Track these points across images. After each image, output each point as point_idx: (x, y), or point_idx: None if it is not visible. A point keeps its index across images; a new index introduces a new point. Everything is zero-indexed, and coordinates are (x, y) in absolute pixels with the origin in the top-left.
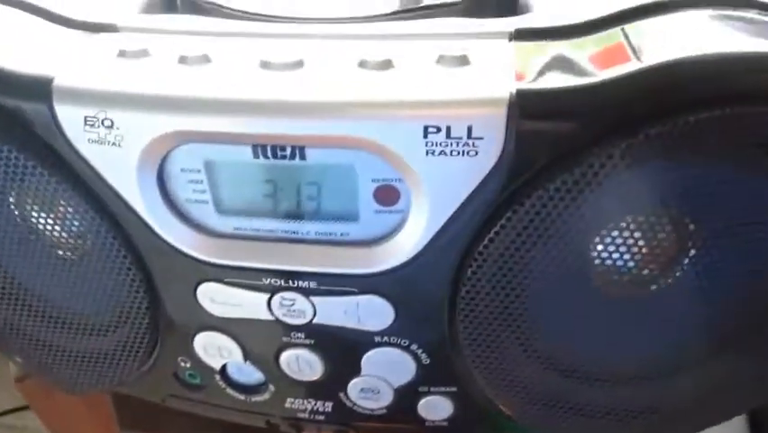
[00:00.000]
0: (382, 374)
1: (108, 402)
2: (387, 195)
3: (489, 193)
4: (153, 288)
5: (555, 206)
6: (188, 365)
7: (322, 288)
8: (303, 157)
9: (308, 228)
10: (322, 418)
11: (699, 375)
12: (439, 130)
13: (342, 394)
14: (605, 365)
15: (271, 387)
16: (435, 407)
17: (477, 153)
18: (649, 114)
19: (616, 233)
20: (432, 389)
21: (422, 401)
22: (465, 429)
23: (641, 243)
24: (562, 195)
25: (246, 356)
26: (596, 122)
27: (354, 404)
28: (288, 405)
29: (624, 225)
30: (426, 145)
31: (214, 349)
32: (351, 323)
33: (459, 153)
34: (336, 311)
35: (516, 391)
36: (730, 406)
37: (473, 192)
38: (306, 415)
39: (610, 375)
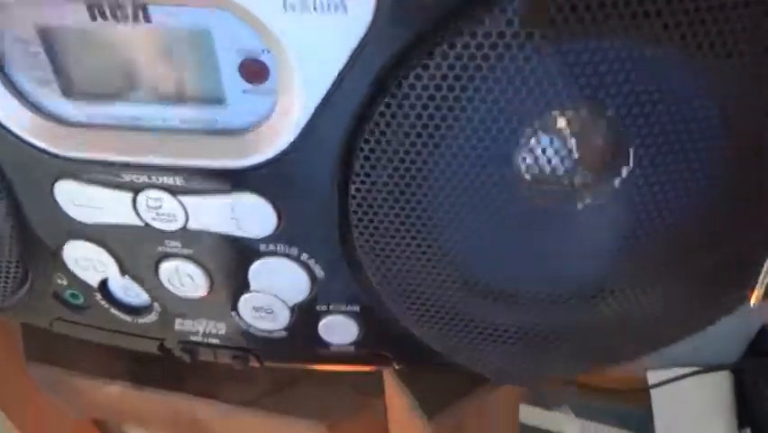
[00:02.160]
0: (274, 290)
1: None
2: (254, 70)
3: (369, 61)
4: (11, 194)
5: (463, 69)
6: (65, 283)
7: (190, 186)
8: (147, 18)
9: (170, 113)
10: (216, 341)
11: (626, 300)
12: None
13: (234, 313)
14: (522, 283)
15: (157, 306)
16: (337, 328)
17: (346, 9)
18: None
19: (535, 123)
20: (332, 307)
21: (322, 322)
22: (375, 355)
23: (566, 138)
24: (458, 63)
25: (123, 270)
26: None
27: (249, 325)
28: (177, 327)
29: (543, 113)
30: None
31: (86, 262)
32: (228, 228)
33: (325, 8)
34: (210, 214)
35: (423, 311)
36: (656, 336)
37: (350, 59)
38: (199, 338)
39: (528, 295)
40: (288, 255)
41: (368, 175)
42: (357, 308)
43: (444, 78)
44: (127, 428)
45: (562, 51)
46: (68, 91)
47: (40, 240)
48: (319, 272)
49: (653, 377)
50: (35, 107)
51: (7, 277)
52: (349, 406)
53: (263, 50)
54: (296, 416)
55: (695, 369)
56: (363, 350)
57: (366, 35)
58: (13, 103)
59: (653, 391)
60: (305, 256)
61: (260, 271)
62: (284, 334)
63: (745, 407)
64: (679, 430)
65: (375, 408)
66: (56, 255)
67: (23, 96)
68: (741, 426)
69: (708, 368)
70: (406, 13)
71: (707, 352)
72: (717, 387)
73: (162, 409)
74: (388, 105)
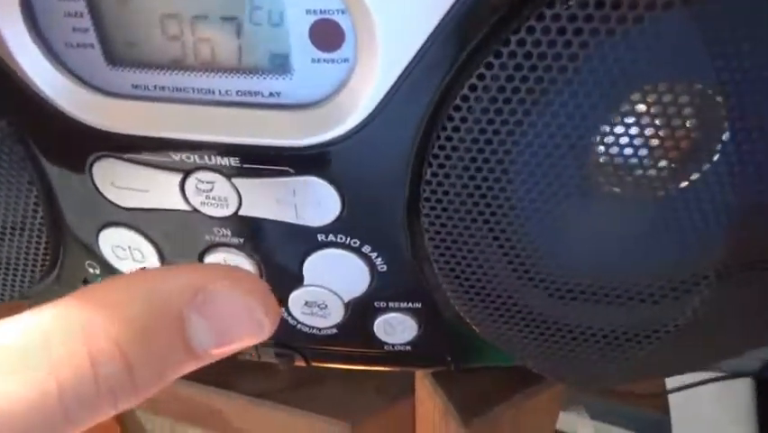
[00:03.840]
0: (330, 285)
1: None
2: (327, 34)
3: (462, 27)
4: (43, 174)
5: (553, 43)
6: (97, 272)
7: (246, 166)
8: None
9: (227, 85)
10: None
11: (713, 296)
12: None
13: (282, 309)
14: (603, 281)
15: None
16: (396, 327)
17: None
18: None
19: (628, 109)
20: (391, 304)
21: (379, 320)
22: (433, 355)
23: (661, 122)
24: (565, 27)
25: (163, 260)
26: None
27: (298, 322)
28: None
29: (640, 97)
30: None
31: (123, 251)
32: (286, 215)
33: None
34: (267, 199)
35: (493, 309)
36: (748, 337)
37: (439, 25)
38: None
39: (608, 293)
40: (348, 247)
41: (448, 158)
42: (419, 305)
43: (538, 44)
44: (143, 416)
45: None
46: (111, 57)
47: (72, 225)
48: (381, 266)
49: (671, 381)
50: (74, 74)
51: (35, 263)
52: (372, 407)
53: (339, 12)
54: (317, 413)
55: (716, 375)
56: (420, 350)
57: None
58: (49, 69)
59: (671, 396)
60: (367, 248)
61: (316, 264)
62: (334, 331)
63: (766, 416)
64: None
65: (400, 410)
66: (90, 242)
67: (61, 60)
68: None
69: (729, 375)
70: None
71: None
72: (738, 394)
73: (179, 399)
74: (481, 77)
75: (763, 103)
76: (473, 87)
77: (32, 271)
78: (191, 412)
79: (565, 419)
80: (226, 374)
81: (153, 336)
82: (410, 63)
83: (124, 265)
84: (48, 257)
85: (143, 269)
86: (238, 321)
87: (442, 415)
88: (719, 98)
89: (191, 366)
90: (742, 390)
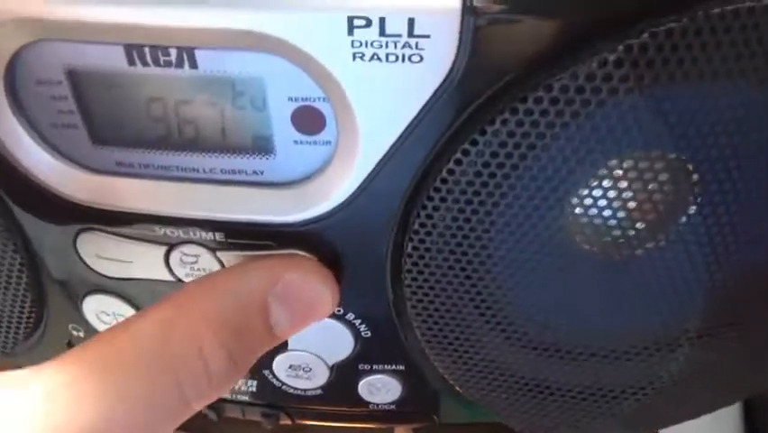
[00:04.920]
0: (314, 349)
1: None
2: (308, 119)
3: (441, 115)
4: (27, 242)
5: (527, 134)
6: (81, 335)
7: (230, 241)
8: (193, 64)
9: (210, 164)
10: (245, 398)
11: (697, 351)
12: (369, 23)
13: (267, 372)
14: (585, 339)
15: None
16: (380, 388)
17: (422, 59)
18: (651, 6)
19: (605, 174)
20: (375, 367)
21: (363, 381)
22: (417, 413)
23: (636, 188)
24: (537, 119)
25: None
26: (584, 13)
27: (283, 384)
28: None
29: (617, 164)
30: (353, 46)
31: (108, 316)
32: None
33: (398, 58)
34: None
35: (476, 371)
36: (730, 390)
37: (419, 114)
38: (228, 395)
39: (591, 351)
40: (332, 315)
41: (428, 234)
42: (402, 367)
43: (512, 135)
44: None
45: (657, 97)
46: (96, 137)
47: (57, 291)
48: (365, 332)
49: None
50: (59, 152)
51: (18, 323)
52: None
53: (320, 99)
54: None
55: None
56: (404, 409)
57: (441, 87)
58: (33, 147)
59: None
60: (350, 316)
61: (301, 332)
62: (319, 392)
63: (751, 414)
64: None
65: None
66: (74, 307)
67: (46, 139)
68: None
69: None
70: (486, 67)
71: None
72: (727, 412)
73: None
74: (458, 162)
75: (727, 171)
76: (451, 172)
77: (16, 331)
78: None
79: None
80: (211, 424)
81: (247, 331)
82: (390, 148)
83: None
84: (32, 318)
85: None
86: (310, 303)
87: None
88: (690, 166)
89: (270, 347)
90: (730, 408)
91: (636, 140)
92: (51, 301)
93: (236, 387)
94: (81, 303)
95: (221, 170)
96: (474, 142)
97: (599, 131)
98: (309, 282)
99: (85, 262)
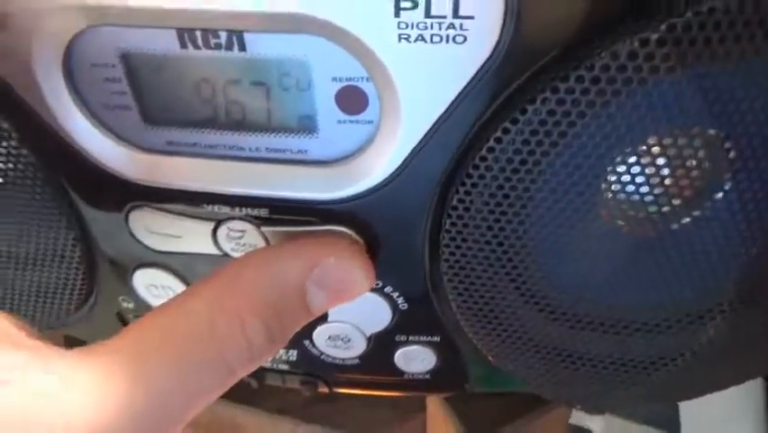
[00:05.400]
0: (353, 321)
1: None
2: (351, 99)
3: (482, 94)
4: (80, 218)
5: (568, 113)
6: (131, 306)
7: (275, 217)
8: (242, 47)
9: (256, 143)
10: (285, 367)
11: (728, 324)
12: (415, 5)
13: (307, 342)
14: (617, 313)
15: None
16: (415, 358)
17: (465, 39)
18: None
19: (643, 151)
20: (411, 338)
21: (399, 351)
22: (450, 382)
23: (674, 164)
24: (577, 97)
25: None
26: None
27: (322, 353)
28: None
29: (655, 141)
30: (399, 27)
31: (157, 289)
32: None
33: (442, 39)
34: None
35: (510, 343)
36: (759, 362)
37: (461, 93)
38: (268, 364)
39: (623, 324)
40: (371, 288)
41: (466, 209)
42: (437, 339)
43: (552, 113)
44: None
45: (698, 76)
46: (148, 117)
47: (108, 264)
48: (402, 304)
49: None
50: (112, 132)
51: (72, 293)
52: (388, 422)
53: (363, 79)
54: (335, 428)
55: None
56: (438, 378)
57: (483, 67)
58: (88, 127)
59: None
60: (389, 289)
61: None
62: (357, 362)
63: None
64: (706, 431)
65: (412, 425)
66: (124, 280)
67: (99, 119)
68: None
69: None
70: (529, 48)
71: None
72: (749, 389)
73: (205, 414)
74: (498, 140)
75: (765, 148)
76: (491, 150)
77: (69, 302)
78: (216, 427)
79: (575, 413)
80: (250, 392)
81: (285, 311)
82: (432, 127)
83: (158, 302)
84: (84, 291)
85: (265, 248)
86: (344, 285)
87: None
88: (728, 143)
89: (306, 322)
90: (752, 385)
91: (676, 117)
92: (102, 275)
93: (277, 356)
94: (131, 276)
95: (266, 149)
96: (514, 121)
97: (639, 109)
98: (344, 266)
99: (136, 237)
